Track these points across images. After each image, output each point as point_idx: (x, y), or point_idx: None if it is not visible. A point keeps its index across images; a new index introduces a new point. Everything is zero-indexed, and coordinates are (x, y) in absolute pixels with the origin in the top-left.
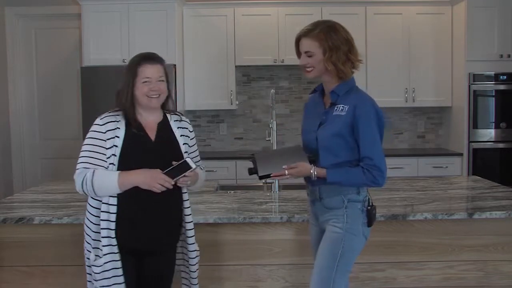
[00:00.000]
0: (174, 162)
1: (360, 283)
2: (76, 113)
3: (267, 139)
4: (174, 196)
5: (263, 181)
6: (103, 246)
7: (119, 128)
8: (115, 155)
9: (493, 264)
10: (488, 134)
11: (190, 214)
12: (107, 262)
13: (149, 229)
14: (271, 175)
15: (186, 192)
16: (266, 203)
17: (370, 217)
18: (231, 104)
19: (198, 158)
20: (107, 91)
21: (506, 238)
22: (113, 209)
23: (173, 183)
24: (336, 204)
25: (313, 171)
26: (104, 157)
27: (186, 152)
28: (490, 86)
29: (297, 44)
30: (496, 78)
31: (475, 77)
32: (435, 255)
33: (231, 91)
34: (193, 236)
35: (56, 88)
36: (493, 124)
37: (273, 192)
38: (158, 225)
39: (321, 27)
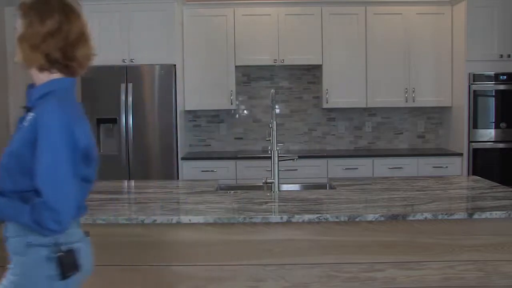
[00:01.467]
0: None
1: (360, 283)
2: None
3: (267, 139)
4: None
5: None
6: None
7: None
8: None
9: (493, 264)
10: (488, 134)
11: None
12: None
13: None
14: None
15: None
16: (266, 203)
17: (63, 267)
18: (231, 104)
19: None
20: (107, 91)
21: (506, 238)
22: None
23: None
24: (16, 248)
25: None
26: None
27: None
28: (490, 86)
29: None
30: (496, 78)
31: (475, 77)
32: (435, 255)
33: (231, 91)
34: None
35: None
36: (493, 124)
37: (273, 192)
38: None
39: None
